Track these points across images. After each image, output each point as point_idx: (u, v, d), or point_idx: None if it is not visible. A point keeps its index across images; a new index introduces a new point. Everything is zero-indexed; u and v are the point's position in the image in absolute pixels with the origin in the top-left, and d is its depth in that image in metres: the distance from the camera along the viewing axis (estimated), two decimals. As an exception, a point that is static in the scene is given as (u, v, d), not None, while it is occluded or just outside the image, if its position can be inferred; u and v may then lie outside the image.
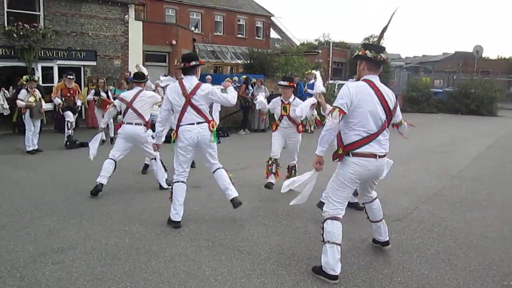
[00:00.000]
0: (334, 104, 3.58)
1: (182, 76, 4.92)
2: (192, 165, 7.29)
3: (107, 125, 10.22)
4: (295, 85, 6.88)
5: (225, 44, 31.30)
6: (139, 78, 6.53)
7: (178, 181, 4.90)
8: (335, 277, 3.54)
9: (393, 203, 5.75)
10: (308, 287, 3.49)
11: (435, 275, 3.75)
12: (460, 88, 24.21)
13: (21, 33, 12.74)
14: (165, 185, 6.23)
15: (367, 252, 4.22)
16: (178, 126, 4.80)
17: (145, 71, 7.37)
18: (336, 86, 18.75)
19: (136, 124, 6.18)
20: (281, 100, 6.38)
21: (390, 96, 3.67)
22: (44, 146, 9.45)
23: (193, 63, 4.84)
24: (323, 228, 3.67)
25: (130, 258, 3.93)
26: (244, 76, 14.57)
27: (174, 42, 18.42)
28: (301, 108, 5.79)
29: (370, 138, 3.53)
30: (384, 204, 5.54)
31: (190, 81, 4.82)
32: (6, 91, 11.69)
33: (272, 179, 6.58)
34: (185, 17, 30.26)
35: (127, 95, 6.38)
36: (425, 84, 25.46)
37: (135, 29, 15.95)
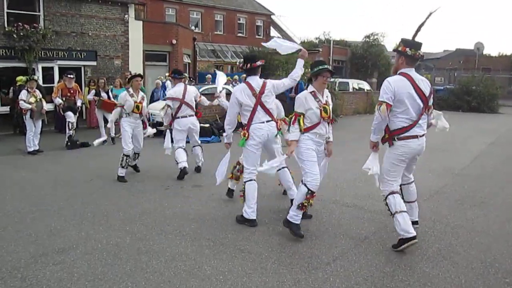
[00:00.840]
0: (380, 99, 4.02)
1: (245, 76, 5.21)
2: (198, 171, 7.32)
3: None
4: None
5: (226, 43, 31.28)
6: (180, 74, 7.19)
7: (251, 180, 4.94)
8: (414, 237, 4.03)
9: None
10: (309, 285, 3.48)
11: (436, 273, 3.73)
12: (461, 85, 24.14)
13: (21, 34, 12.74)
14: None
15: (369, 250, 4.21)
16: (249, 125, 4.89)
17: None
18: (337, 84, 18.73)
19: (189, 116, 7.03)
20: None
21: (425, 84, 4.12)
22: (45, 147, 9.45)
23: (259, 63, 5.00)
24: (387, 204, 4.23)
25: (131, 258, 3.93)
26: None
27: (174, 41, 18.40)
28: None
29: (413, 125, 4.07)
30: (386, 202, 5.53)
31: (257, 81, 4.95)
32: None
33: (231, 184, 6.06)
34: (185, 16, 30.25)
35: (176, 93, 6.96)
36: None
37: (135, 29, 15.94)
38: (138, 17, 17.58)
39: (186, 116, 6.97)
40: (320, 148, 4.64)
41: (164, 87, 13.59)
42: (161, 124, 10.93)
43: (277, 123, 5.01)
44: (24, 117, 9.18)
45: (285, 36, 36.20)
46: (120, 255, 4.00)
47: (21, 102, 8.95)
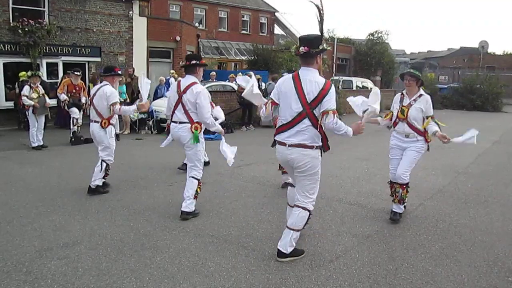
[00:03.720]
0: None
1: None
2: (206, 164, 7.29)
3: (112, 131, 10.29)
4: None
5: (229, 40, 31.22)
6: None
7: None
8: None
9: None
10: (312, 282, 3.49)
11: (439, 271, 3.74)
12: (465, 84, 24.07)
13: (26, 29, 12.76)
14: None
15: (371, 248, 4.21)
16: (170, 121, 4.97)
17: None
18: (341, 82, 18.69)
19: None
20: None
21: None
22: (49, 142, 9.49)
23: (193, 62, 4.87)
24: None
25: (135, 254, 3.95)
26: (259, 76, 14.64)
27: (178, 38, 18.41)
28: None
29: None
30: (389, 200, 5.54)
31: (185, 80, 4.88)
32: None
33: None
34: (189, 13, 30.21)
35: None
36: (430, 80, 25.31)
37: (140, 25, 15.93)
38: (142, 13, 17.56)
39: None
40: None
41: (168, 84, 13.60)
42: (164, 121, 10.97)
43: (192, 126, 4.81)
44: (26, 112, 9.22)
45: (289, 33, 36.15)
46: (124, 250, 4.02)
47: (23, 97, 8.98)
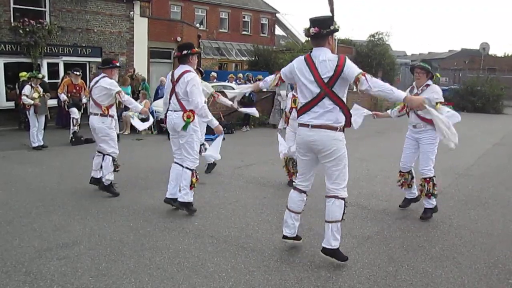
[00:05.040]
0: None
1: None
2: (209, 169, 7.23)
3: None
4: None
5: (230, 41, 31.26)
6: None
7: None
8: None
9: (398, 201, 5.72)
10: (312, 283, 3.49)
11: (439, 273, 3.73)
12: (466, 85, 24.04)
13: (27, 29, 12.77)
14: None
15: (371, 250, 4.21)
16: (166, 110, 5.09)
17: None
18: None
19: None
20: (293, 94, 6.30)
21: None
22: (50, 142, 9.49)
23: (184, 52, 4.92)
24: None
25: (135, 254, 3.95)
26: (260, 77, 14.65)
27: (179, 38, 18.40)
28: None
29: None
30: (389, 201, 5.55)
31: (178, 70, 4.96)
32: None
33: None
34: (190, 13, 30.26)
35: None
36: (434, 81, 25.23)
37: (140, 26, 15.94)
38: (143, 14, 17.57)
39: None
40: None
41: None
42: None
43: (184, 114, 4.89)
44: (27, 112, 9.22)
45: (290, 34, 36.17)
46: (123, 251, 4.02)
47: (23, 97, 8.98)
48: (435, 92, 4.91)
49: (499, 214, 5.44)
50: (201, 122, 6.91)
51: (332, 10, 3.89)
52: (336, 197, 3.73)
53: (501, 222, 5.13)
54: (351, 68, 3.52)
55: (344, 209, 3.79)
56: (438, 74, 5.20)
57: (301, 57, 3.79)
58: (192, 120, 4.90)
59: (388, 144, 10.97)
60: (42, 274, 3.52)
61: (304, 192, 4.02)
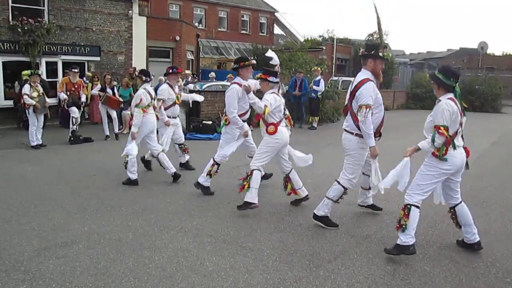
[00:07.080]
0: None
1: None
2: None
3: (112, 120, 10.27)
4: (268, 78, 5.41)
5: (229, 40, 31.23)
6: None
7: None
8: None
9: (396, 200, 5.73)
10: (310, 283, 3.50)
11: (437, 272, 3.75)
12: (464, 84, 24.01)
13: (26, 28, 12.74)
14: None
15: (370, 249, 4.22)
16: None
17: None
18: (340, 83, 18.69)
19: None
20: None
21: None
22: (48, 141, 9.48)
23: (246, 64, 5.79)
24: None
25: (134, 253, 3.95)
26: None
27: (177, 37, 18.41)
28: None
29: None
30: (388, 201, 5.55)
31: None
32: None
33: None
34: (189, 12, 30.24)
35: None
36: (429, 81, 25.26)
37: (139, 25, 15.92)
38: (142, 13, 17.54)
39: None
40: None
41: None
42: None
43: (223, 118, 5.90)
44: (27, 111, 9.21)
45: (289, 33, 36.14)
46: (122, 250, 4.02)
47: (25, 96, 8.95)
48: (436, 112, 4.00)
49: (497, 213, 5.45)
50: (176, 123, 7.23)
51: (380, 37, 4.51)
52: (338, 182, 4.57)
53: (499, 222, 5.15)
54: (360, 94, 4.25)
55: (342, 195, 4.62)
56: (457, 87, 4.05)
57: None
58: (228, 124, 5.72)
59: (386, 145, 10.92)
60: (41, 273, 3.52)
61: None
